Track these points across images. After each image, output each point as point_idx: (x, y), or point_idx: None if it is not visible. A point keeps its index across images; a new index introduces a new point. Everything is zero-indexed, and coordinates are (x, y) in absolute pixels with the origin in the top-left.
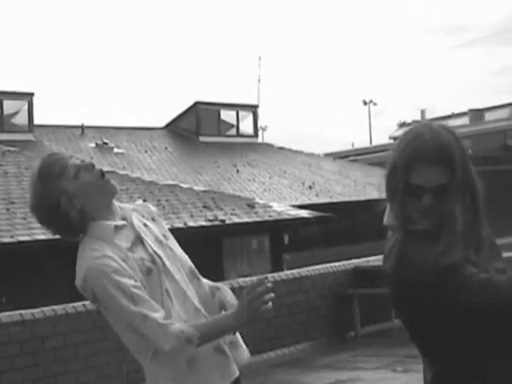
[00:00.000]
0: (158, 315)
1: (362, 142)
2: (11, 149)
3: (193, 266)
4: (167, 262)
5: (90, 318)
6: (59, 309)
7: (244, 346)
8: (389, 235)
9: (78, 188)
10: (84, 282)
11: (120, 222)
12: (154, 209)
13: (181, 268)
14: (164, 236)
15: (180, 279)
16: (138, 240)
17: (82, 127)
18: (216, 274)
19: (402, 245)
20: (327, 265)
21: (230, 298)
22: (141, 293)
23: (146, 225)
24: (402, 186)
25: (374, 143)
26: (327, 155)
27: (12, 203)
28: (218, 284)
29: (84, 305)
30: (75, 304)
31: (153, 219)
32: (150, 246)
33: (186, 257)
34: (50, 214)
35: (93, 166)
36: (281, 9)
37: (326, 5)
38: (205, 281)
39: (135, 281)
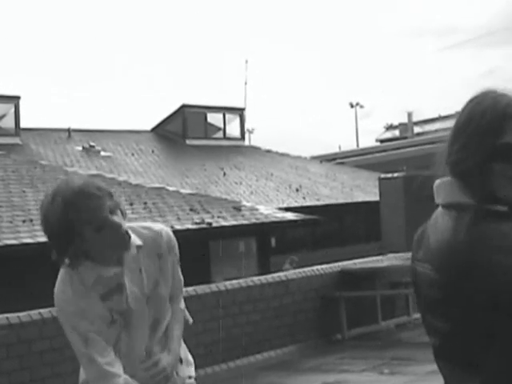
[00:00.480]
0: (104, 361)
1: (349, 145)
2: None
3: (162, 317)
4: (134, 320)
5: None
6: (46, 312)
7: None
8: (437, 215)
9: (94, 241)
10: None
11: (108, 273)
12: (165, 240)
13: (146, 322)
14: (156, 282)
15: (138, 336)
16: (119, 288)
17: (69, 130)
18: (203, 277)
19: (475, 223)
20: (314, 267)
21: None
22: (95, 336)
23: (140, 270)
24: (489, 150)
25: (361, 146)
26: (314, 158)
27: None
28: (172, 345)
29: None
30: None
31: (159, 256)
32: (127, 298)
33: (163, 305)
34: (57, 237)
35: (120, 226)
36: (268, 12)
37: (312, 7)
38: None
39: (92, 325)
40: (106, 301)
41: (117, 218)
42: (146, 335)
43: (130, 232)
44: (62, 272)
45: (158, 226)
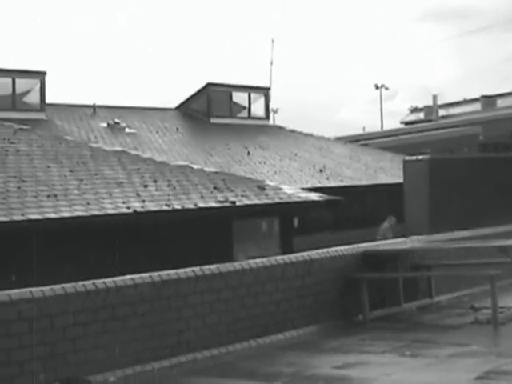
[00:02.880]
0: None
1: (374, 127)
2: (23, 127)
3: None
4: None
5: (99, 297)
6: (69, 287)
7: None
8: None
9: None
10: None
11: None
12: None
13: None
14: None
15: None
16: None
17: (94, 107)
18: (225, 256)
19: None
20: (336, 248)
21: None
22: None
23: None
24: None
25: (386, 128)
26: (338, 139)
27: (23, 181)
28: None
29: (94, 283)
30: (85, 283)
31: None
32: None
33: None
34: None
35: None
36: None
37: None
38: None
39: None
40: None
41: None
42: None
43: None
44: None
45: None
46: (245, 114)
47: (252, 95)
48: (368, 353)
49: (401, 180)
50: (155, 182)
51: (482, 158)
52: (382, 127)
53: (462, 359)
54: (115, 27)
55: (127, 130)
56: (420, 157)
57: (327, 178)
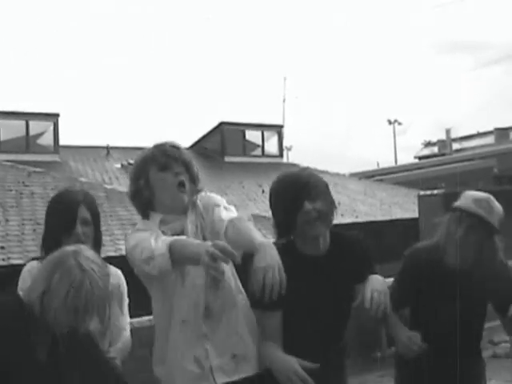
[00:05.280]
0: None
1: (387, 162)
2: (37, 169)
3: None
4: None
5: None
6: None
7: (252, 361)
8: None
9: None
10: None
11: (172, 218)
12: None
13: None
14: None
15: (191, 286)
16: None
17: (108, 148)
18: None
19: None
20: None
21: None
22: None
23: (197, 227)
24: None
25: (399, 162)
26: (352, 175)
27: (38, 224)
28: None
29: None
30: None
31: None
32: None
33: None
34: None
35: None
36: (305, 29)
37: (349, 24)
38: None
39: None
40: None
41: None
42: (201, 288)
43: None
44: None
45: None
46: (258, 152)
47: (265, 133)
48: None
49: (416, 215)
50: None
51: (497, 191)
52: (395, 162)
53: None
54: (127, 68)
55: None
56: (435, 191)
57: (342, 215)
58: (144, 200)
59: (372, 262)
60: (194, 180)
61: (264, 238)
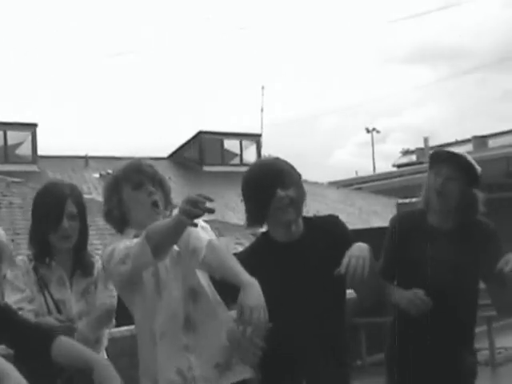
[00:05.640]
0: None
1: (366, 170)
2: (16, 180)
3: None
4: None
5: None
6: None
7: (235, 368)
8: None
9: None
10: None
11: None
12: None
13: (178, 286)
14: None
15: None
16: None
17: (86, 157)
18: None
19: None
20: None
21: None
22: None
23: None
24: None
25: (378, 171)
26: (331, 184)
27: (17, 234)
28: None
29: None
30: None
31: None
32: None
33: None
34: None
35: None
36: (284, 37)
37: (324, 33)
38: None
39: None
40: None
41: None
42: (179, 300)
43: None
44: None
45: None
46: (237, 161)
47: (243, 142)
48: None
49: None
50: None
51: None
52: (374, 170)
53: None
54: (106, 76)
55: None
56: (413, 199)
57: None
58: (118, 219)
59: (352, 237)
60: (166, 196)
61: (246, 274)
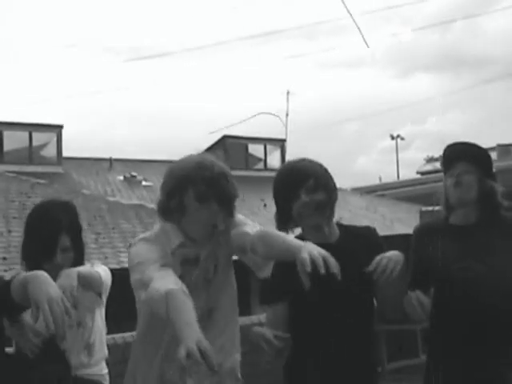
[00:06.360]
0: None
1: (390, 176)
2: (40, 181)
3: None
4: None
5: (119, 351)
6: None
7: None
8: None
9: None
10: None
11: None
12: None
13: (199, 306)
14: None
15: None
16: (196, 262)
17: (111, 160)
18: (243, 309)
19: None
20: None
21: None
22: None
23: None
24: None
25: (402, 178)
26: (355, 190)
27: None
28: None
29: (113, 338)
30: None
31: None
32: (196, 274)
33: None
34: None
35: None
36: (309, 42)
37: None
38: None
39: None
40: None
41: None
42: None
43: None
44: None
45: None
46: (261, 165)
47: (268, 147)
48: None
49: None
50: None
51: None
52: (398, 177)
53: None
54: (129, 78)
55: (144, 182)
56: (436, 207)
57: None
58: (172, 220)
59: (386, 248)
60: (229, 215)
61: (301, 241)
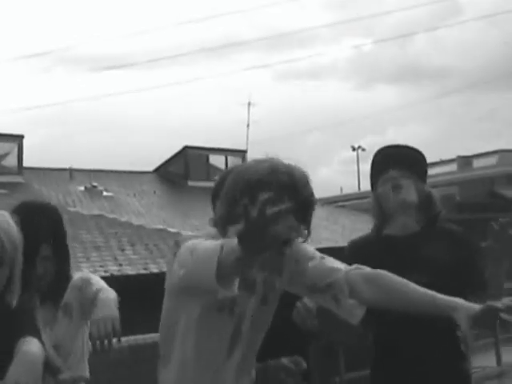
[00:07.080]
0: None
1: (351, 187)
2: (1, 191)
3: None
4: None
5: None
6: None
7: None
8: None
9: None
10: None
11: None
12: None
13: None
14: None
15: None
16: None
17: (71, 170)
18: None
19: None
20: None
21: None
22: None
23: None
24: None
25: (363, 189)
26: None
27: None
28: None
29: None
30: None
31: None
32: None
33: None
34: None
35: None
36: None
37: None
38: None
39: None
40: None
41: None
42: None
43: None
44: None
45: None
46: None
47: (229, 158)
48: None
49: None
50: (132, 245)
51: (459, 219)
52: (359, 188)
53: None
54: (90, 89)
55: (105, 193)
56: None
57: (304, 241)
58: (234, 222)
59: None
60: (306, 226)
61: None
